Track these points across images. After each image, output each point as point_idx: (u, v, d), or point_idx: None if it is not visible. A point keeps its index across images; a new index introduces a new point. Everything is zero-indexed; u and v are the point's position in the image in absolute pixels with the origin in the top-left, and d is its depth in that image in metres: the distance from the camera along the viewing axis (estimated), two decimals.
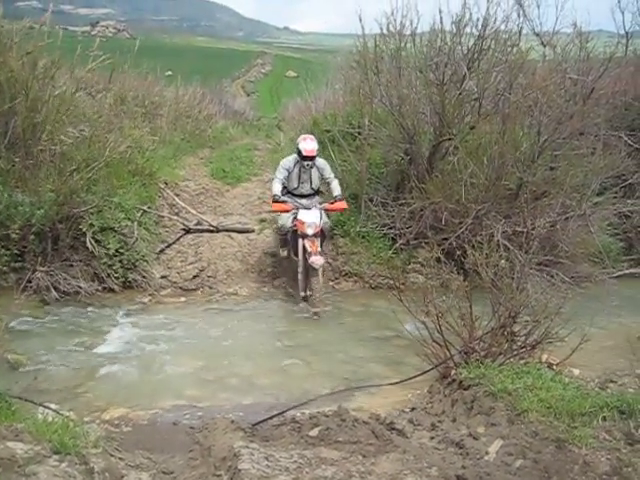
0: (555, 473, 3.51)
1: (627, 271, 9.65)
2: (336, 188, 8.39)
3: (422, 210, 9.09)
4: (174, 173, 11.75)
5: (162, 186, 10.67)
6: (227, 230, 9.90)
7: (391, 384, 5.62)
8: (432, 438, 4.24)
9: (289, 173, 8.38)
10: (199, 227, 9.88)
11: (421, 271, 8.83)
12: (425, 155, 9.57)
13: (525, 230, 8.20)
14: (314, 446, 3.78)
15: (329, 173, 8.52)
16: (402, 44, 10.01)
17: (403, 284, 8.51)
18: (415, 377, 5.58)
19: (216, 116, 21.45)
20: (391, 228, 9.31)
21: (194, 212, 10.26)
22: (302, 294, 8.04)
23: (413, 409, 5.09)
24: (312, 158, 8.27)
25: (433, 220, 9.02)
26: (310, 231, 7.92)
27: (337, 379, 5.89)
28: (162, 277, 8.68)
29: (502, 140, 8.79)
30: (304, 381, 5.91)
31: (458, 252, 7.73)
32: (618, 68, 10.93)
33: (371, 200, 9.62)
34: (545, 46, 10.51)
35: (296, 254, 8.22)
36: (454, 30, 9.45)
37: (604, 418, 3.94)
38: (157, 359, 6.26)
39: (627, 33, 11.89)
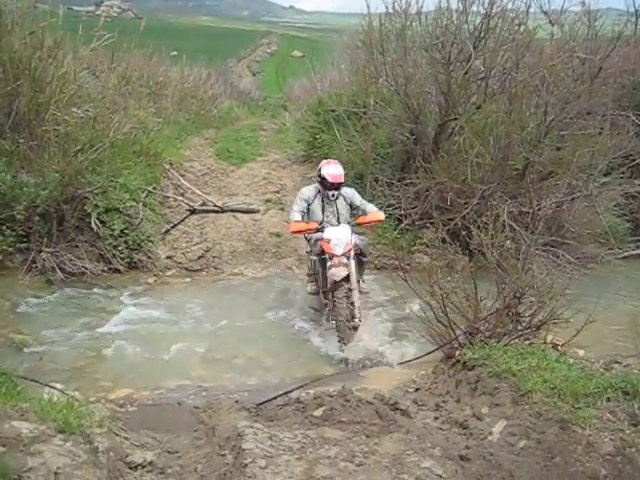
0: (559, 453, 3.52)
1: (633, 252, 9.61)
2: (373, 208, 6.97)
3: (427, 190, 9.07)
4: (179, 153, 11.73)
5: (167, 167, 10.66)
6: (232, 210, 9.89)
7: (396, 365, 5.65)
8: (436, 418, 4.25)
9: (309, 205, 6.89)
10: (204, 207, 9.87)
11: (426, 251, 8.82)
12: (431, 135, 9.53)
13: (531, 210, 8.20)
14: (318, 426, 3.79)
15: (360, 200, 6.98)
16: (408, 23, 9.94)
17: (408, 265, 8.47)
18: (419, 358, 5.62)
19: (221, 96, 21.38)
20: (396, 208, 9.28)
21: (199, 193, 10.24)
22: (343, 339, 6.13)
23: (417, 389, 5.10)
24: (339, 186, 6.82)
25: (439, 200, 9.00)
26: (339, 249, 6.34)
27: (341, 359, 5.89)
28: (167, 258, 8.69)
29: (508, 120, 8.75)
30: (309, 361, 5.93)
31: (463, 232, 7.70)
32: (627, 47, 10.83)
33: (376, 180, 9.60)
34: (553, 25, 10.40)
35: (325, 287, 6.62)
36: (460, 8, 9.38)
37: (608, 399, 3.94)
38: (162, 339, 6.27)
39: (637, 11, 11.74)
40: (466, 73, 9.13)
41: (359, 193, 7.16)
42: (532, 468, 3.44)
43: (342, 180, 6.82)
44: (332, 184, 6.75)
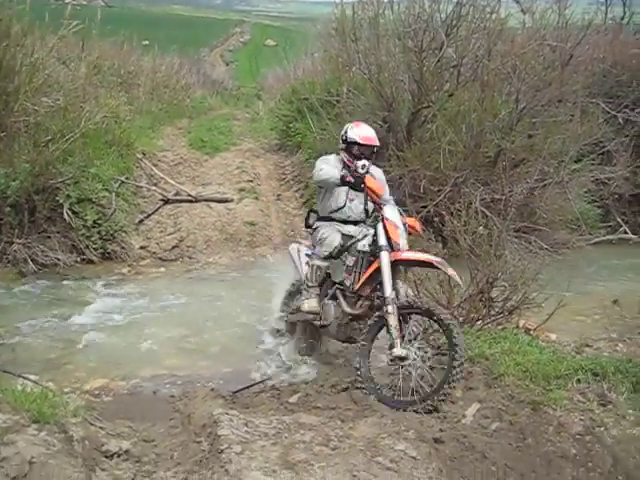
0: (530, 434, 3.58)
1: (604, 237, 9.77)
2: None
3: (401, 178, 9.08)
4: (152, 143, 11.64)
5: (140, 156, 10.57)
6: (206, 200, 9.86)
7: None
8: None
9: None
10: (178, 197, 9.83)
11: None
12: (404, 123, 9.54)
13: (503, 197, 8.26)
14: (293, 412, 3.81)
15: (388, 193, 5.16)
16: (380, 11, 9.92)
17: None
18: None
19: (194, 86, 21.20)
20: None
21: (173, 182, 10.19)
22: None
23: (392, 374, 5.12)
24: (373, 155, 5.10)
25: (412, 188, 9.01)
26: (403, 240, 4.64)
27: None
28: (141, 248, 8.65)
29: (481, 107, 8.80)
30: (284, 349, 5.92)
31: (437, 219, 7.77)
32: (596, 35, 10.94)
33: None
34: (524, 13, 10.47)
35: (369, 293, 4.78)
36: None
37: (578, 380, 4.03)
38: (137, 329, 6.25)
39: (606, 0, 11.87)
40: (438, 61, 9.15)
41: None
42: (505, 449, 3.49)
43: (377, 144, 5.08)
44: (365, 147, 4.98)
